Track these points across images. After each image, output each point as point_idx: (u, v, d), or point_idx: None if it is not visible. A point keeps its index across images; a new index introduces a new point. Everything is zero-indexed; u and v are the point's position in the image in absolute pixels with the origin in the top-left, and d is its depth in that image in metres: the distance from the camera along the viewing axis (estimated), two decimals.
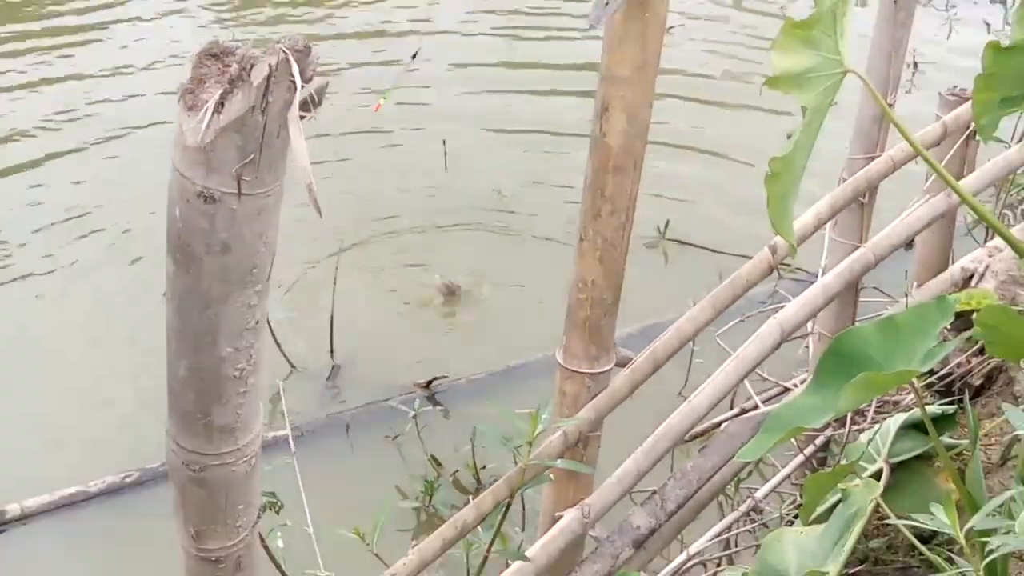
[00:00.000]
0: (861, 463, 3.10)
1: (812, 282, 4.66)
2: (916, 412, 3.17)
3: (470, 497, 4.38)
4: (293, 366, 5.23)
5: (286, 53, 1.53)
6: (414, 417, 4.56)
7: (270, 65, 1.52)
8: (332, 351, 5.29)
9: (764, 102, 7.31)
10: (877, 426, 3.27)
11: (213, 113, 1.54)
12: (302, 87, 1.56)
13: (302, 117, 1.57)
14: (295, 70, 1.54)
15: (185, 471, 1.88)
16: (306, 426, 4.84)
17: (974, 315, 2.99)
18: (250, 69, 1.53)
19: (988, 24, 8.62)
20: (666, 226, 6.22)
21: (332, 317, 5.23)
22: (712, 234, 6.26)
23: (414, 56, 6.58)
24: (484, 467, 4.59)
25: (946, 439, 3.22)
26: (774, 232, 2.86)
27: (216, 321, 1.70)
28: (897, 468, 3.13)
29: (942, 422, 3.25)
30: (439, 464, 4.69)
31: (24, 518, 4.48)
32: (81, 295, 5.84)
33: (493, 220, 6.59)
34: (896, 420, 3.21)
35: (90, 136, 7.44)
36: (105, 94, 7.97)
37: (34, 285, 5.95)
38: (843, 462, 3.14)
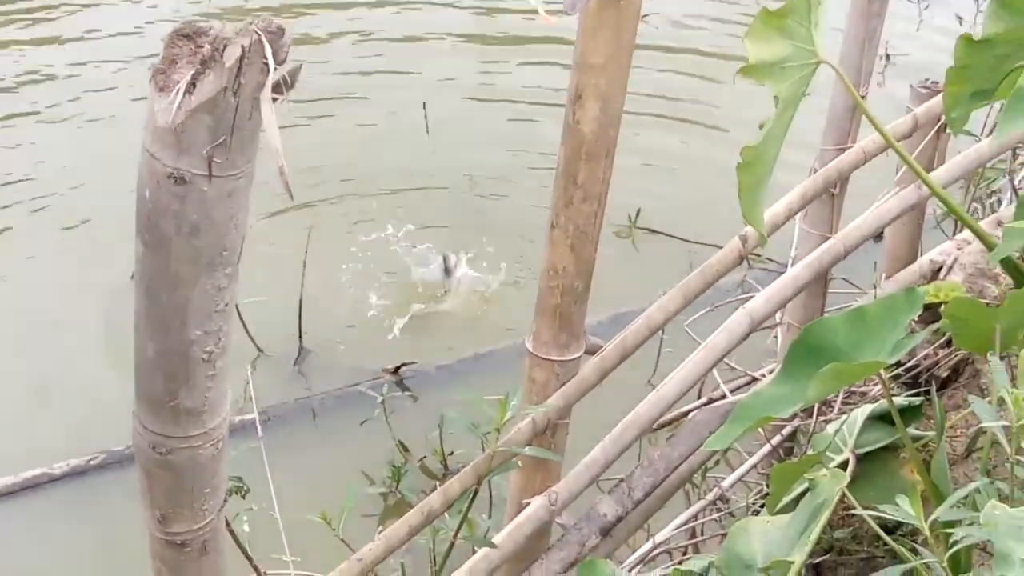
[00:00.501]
0: (828, 453, 3.10)
1: (782, 272, 4.68)
2: (883, 403, 3.18)
3: (437, 483, 4.39)
4: (260, 350, 5.21)
5: (259, 34, 1.52)
6: (382, 402, 4.54)
7: (243, 46, 1.50)
8: (301, 335, 5.26)
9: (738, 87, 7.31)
10: (844, 417, 3.28)
11: (184, 94, 1.52)
12: (275, 69, 1.55)
13: (275, 99, 1.56)
14: (268, 52, 1.53)
15: (151, 453, 1.86)
16: (273, 411, 4.82)
17: (942, 307, 3.01)
18: (223, 50, 1.51)
19: (960, 17, 8.65)
20: (637, 214, 6.21)
21: (300, 300, 5.20)
22: (683, 222, 6.26)
23: None
24: (451, 453, 4.59)
25: (912, 430, 3.23)
26: (745, 222, 2.88)
27: (185, 303, 1.69)
28: (863, 459, 3.14)
29: (908, 413, 3.26)
30: (406, 450, 4.69)
31: None
32: (43, 276, 5.79)
33: (468, 201, 6.59)
34: (863, 411, 3.21)
35: (51, 108, 7.38)
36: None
37: None
38: (810, 452, 3.15)
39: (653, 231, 6.23)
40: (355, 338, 5.44)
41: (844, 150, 3.72)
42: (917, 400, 3.30)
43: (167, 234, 1.62)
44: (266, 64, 1.53)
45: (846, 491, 2.71)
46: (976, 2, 8.66)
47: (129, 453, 4.57)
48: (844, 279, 4.89)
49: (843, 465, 3.08)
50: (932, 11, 8.87)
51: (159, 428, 1.83)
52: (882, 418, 3.19)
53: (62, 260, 5.93)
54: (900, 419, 2.67)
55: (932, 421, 3.11)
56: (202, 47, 1.54)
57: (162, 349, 1.74)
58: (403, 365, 5.16)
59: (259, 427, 3.42)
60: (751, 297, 3.90)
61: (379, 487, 4.50)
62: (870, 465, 3.14)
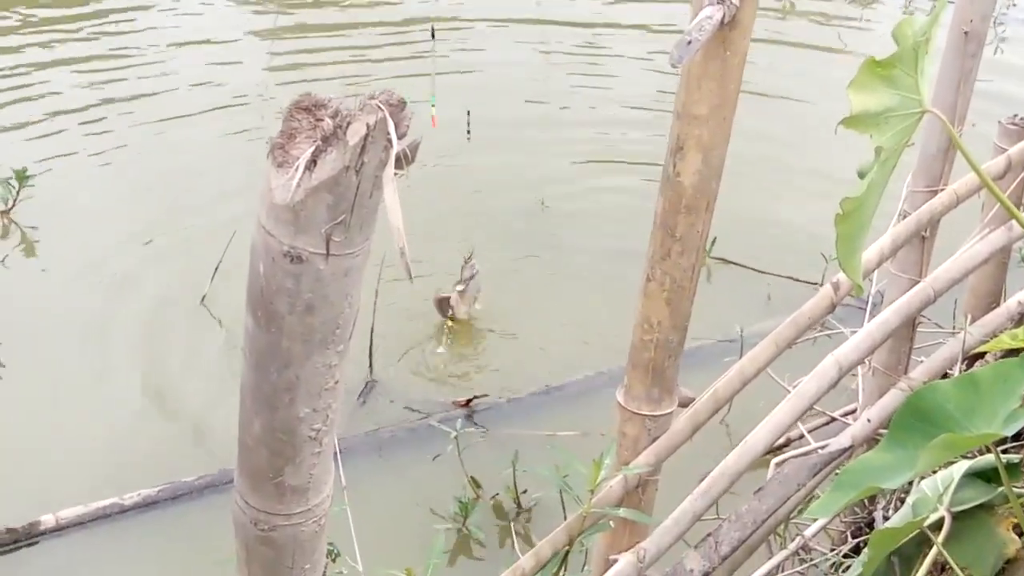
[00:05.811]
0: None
1: (861, 308, 4.57)
2: (980, 460, 3.08)
3: (511, 523, 4.33)
4: None
5: (383, 111, 1.45)
6: (455, 438, 4.46)
7: (368, 124, 1.43)
8: (371, 366, 5.18)
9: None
10: (938, 472, 3.18)
11: (304, 171, 1.46)
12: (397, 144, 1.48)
13: (395, 175, 1.50)
14: (392, 128, 1.46)
15: (252, 529, 1.80)
16: (341, 443, 4.74)
17: None
18: (346, 127, 1.44)
19: None
20: (712, 243, 6.01)
21: (372, 331, 5.13)
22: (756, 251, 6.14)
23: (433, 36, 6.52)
24: (524, 491, 4.50)
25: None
26: (841, 270, 2.80)
27: (295, 381, 1.62)
28: (958, 517, 3.04)
29: (1008, 470, 3.16)
30: (479, 486, 4.60)
31: (59, 529, 4.41)
32: (122, 309, 5.79)
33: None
34: (960, 467, 3.12)
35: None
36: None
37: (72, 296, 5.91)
38: (908, 513, 3.06)
39: (727, 261, 6.05)
40: (424, 368, 5.37)
41: (935, 192, 3.63)
42: (1016, 458, 3.19)
43: (280, 312, 1.56)
44: (389, 141, 1.46)
45: (943, 550, 2.62)
46: None
47: (198, 484, 4.57)
48: (926, 318, 4.76)
49: (938, 523, 2.99)
50: (1007, 37, 8.73)
51: (261, 505, 1.76)
52: (978, 475, 3.09)
53: (134, 290, 5.92)
54: (1007, 474, 2.57)
55: None
56: (322, 120, 1.48)
57: (269, 426, 1.67)
58: (475, 398, 5.07)
59: (343, 477, 3.34)
60: (829, 334, 3.81)
61: (447, 523, 4.41)
62: (966, 523, 3.04)
